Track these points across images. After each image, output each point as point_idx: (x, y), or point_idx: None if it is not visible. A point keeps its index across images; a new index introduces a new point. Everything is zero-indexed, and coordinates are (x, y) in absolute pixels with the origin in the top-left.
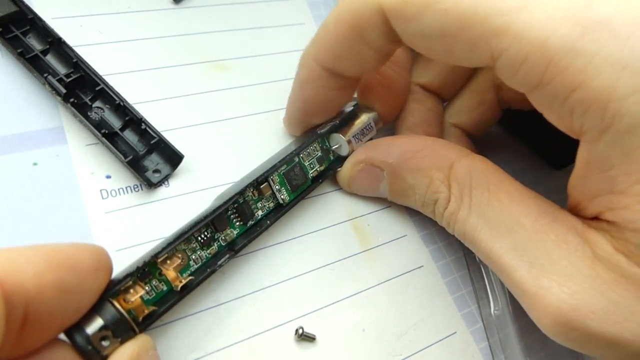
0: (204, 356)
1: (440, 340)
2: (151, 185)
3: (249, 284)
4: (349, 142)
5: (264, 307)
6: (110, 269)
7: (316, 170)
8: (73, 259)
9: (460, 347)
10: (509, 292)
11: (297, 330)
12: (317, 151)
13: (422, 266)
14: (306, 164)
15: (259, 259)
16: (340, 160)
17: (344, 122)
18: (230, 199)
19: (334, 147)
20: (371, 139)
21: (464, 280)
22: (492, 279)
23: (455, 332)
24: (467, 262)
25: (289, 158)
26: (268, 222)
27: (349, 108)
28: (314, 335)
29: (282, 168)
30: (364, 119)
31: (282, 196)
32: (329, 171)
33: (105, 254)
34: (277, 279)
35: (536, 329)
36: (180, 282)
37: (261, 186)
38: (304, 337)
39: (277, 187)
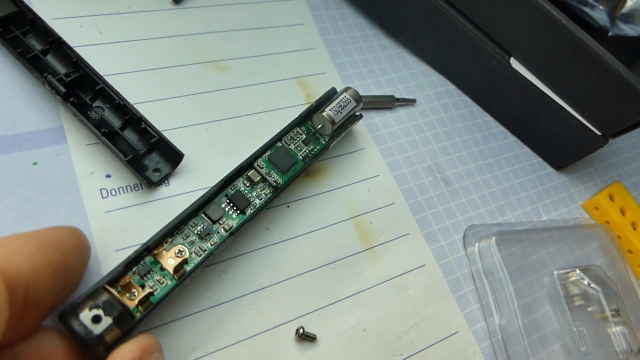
0: (204, 356)
1: (442, 340)
2: (151, 184)
3: (249, 283)
4: (329, 118)
5: (265, 307)
6: (88, 247)
7: (305, 152)
8: (57, 240)
9: (461, 347)
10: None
11: (297, 330)
12: (302, 134)
13: (424, 265)
14: (292, 147)
15: (259, 258)
16: (332, 137)
17: (320, 104)
18: (214, 186)
19: (318, 128)
20: (354, 113)
21: (466, 280)
22: (497, 295)
23: (457, 332)
24: (474, 279)
25: (271, 143)
26: (263, 203)
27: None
28: (315, 335)
29: (266, 153)
30: (339, 95)
31: (273, 179)
32: (324, 149)
33: (81, 233)
34: (278, 279)
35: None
36: (177, 269)
37: (249, 173)
38: (305, 337)
39: (265, 170)
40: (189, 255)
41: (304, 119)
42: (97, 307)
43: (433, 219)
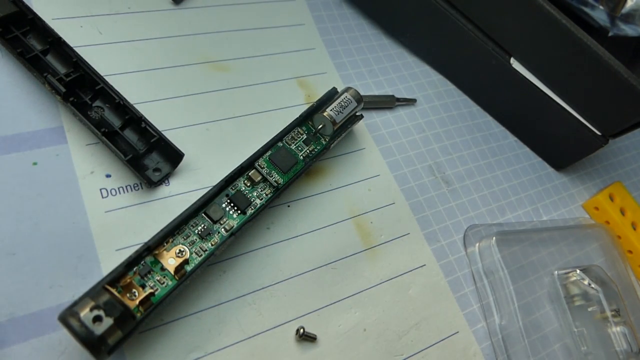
0: (204, 356)
1: (442, 340)
2: (151, 184)
3: (250, 283)
4: (330, 119)
5: (265, 307)
6: None
7: (306, 152)
8: None
9: (462, 347)
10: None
11: (297, 330)
12: (302, 134)
13: (425, 265)
14: (293, 147)
15: (259, 257)
16: (333, 137)
17: (321, 104)
18: (215, 186)
19: (319, 128)
20: (355, 114)
21: (466, 280)
22: (498, 295)
23: (457, 332)
24: (474, 279)
25: (272, 143)
26: (264, 203)
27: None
28: (315, 335)
29: (267, 153)
30: (340, 95)
31: (274, 179)
32: (325, 149)
33: None
34: (278, 278)
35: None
36: (178, 269)
37: (250, 173)
38: (305, 337)
39: (266, 171)
40: (190, 256)
41: (304, 119)
42: (97, 307)
43: (433, 219)
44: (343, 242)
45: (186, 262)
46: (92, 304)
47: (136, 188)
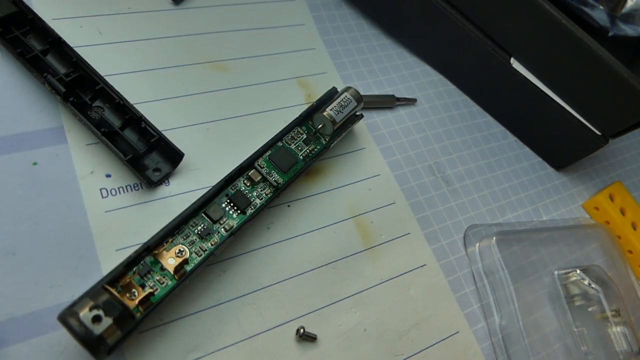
0: (204, 356)
1: (443, 340)
2: (151, 183)
3: (250, 282)
4: (330, 118)
5: (265, 307)
6: None
7: (306, 151)
8: None
9: (462, 347)
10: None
11: (298, 330)
12: (302, 134)
13: (425, 265)
14: (292, 147)
15: (260, 257)
16: (333, 137)
17: (321, 103)
18: (215, 186)
19: (319, 127)
20: (355, 114)
21: (467, 280)
22: (498, 295)
23: (458, 332)
24: (474, 278)
25: (272, 143)
26: (264, 202)
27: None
28: (315, 335)
29: (267, 153)
30: (340, 95)
31: (274, 179)
32: (325, 149)
33: None
34: (278, 278)
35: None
36: (177, 269)
37: (249, 173)
38: (305, 337)
39: (266, 170)
40: (190, 255)
41: (304, 118)
42: (97, 307)
43: (434, 219)
44: (343, 242)
45: (186, 261)
46: (91, 303)
47: (136, 188)
